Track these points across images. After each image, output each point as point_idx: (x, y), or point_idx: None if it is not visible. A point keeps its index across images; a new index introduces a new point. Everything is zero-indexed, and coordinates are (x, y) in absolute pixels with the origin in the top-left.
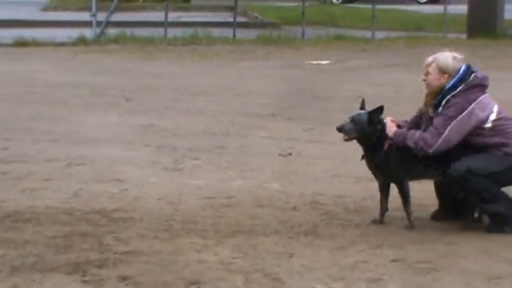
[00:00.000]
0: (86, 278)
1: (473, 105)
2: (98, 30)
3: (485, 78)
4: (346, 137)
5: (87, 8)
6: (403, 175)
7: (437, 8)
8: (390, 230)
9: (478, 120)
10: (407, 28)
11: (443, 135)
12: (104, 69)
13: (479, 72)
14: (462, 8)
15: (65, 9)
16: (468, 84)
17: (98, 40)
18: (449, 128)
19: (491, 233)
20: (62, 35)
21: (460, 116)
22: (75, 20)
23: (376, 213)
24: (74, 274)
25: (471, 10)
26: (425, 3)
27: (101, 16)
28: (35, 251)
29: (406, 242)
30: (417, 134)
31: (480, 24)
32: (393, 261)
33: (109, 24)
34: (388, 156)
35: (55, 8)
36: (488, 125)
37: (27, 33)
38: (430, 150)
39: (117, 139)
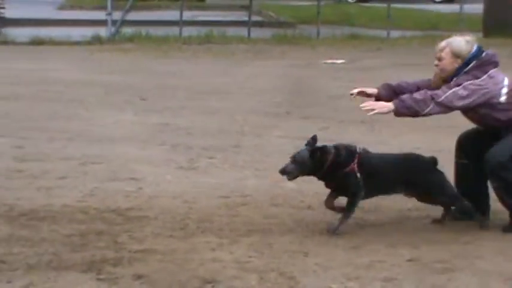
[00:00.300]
0: (101, 276)
1: (485, 76)
2: (113, 29)
3: (495, 55)
4: (290, 177)
5: (103, 7)
6: (360, 196)
7: (453, 7)
8: (405, 229)
9: (490, 93)
10: (422, 27)
11: (454, 89)
12: (119, 68)
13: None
14: (478, 7)
15: (81, 8)
16: (480, 60)
17: (113, 39)
18: (460, 87)
19: (507, 233)
20: (78, 33)
21: (473, 81)
22: (91, 19)
23: (391, 213)
24: (89, 272)
25: (487, 9)
26: (440, 2)
27: (116, 15)
28: (50, 249)
29: (422, 242)
30: (424, 90)
31: (496, 24)
32: (408, 260)
33: (124, 23)
34: (348, 178)
35: (71, 7)
36: (503, 98)
37: (43, 32)
38: (439, 100)
39: (132, 138)
